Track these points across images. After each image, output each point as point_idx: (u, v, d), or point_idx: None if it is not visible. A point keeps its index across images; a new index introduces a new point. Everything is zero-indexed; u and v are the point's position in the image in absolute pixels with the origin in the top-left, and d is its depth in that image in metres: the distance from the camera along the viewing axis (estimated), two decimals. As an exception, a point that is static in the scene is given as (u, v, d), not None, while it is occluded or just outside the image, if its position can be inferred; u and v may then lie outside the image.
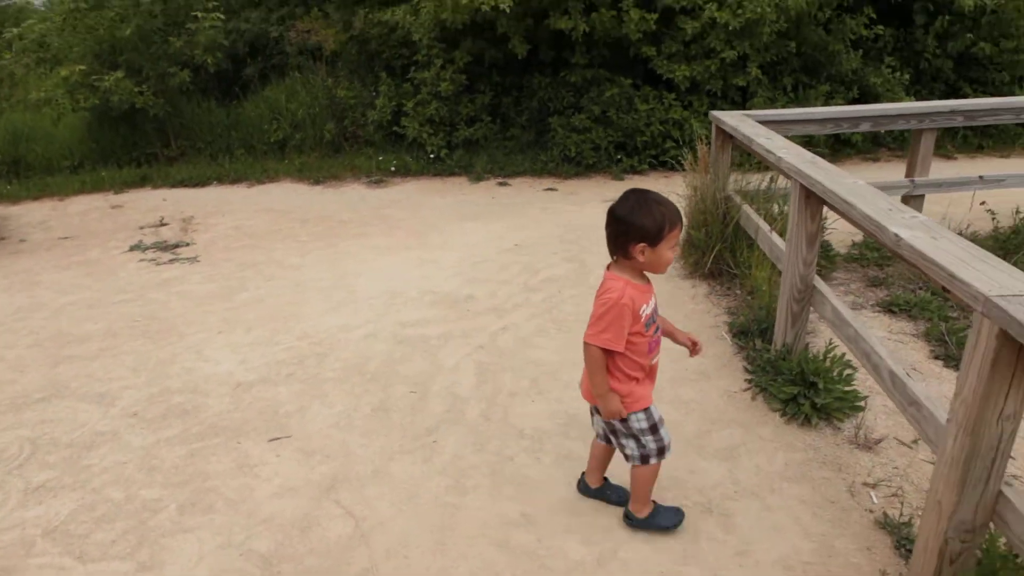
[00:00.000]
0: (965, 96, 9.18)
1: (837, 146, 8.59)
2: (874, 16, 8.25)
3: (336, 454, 3.13)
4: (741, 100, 7.91)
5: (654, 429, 2.50)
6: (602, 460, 2.80)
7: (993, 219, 5.35)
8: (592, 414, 2.66)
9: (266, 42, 10.13)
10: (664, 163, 7.56)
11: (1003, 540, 2.14)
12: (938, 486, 2.16)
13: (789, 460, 3.03)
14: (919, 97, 8.99)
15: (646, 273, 2.39)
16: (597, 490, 2.83)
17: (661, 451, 2.53)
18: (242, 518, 2.76)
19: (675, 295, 4.60)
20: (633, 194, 2.31)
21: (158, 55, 8.48)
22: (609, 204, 2.41)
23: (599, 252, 5.38)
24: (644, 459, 2.53)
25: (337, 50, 9.45)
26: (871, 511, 2.76)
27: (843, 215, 2.86)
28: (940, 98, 9.13)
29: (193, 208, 7.28)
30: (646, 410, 2.47)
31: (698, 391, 3.54)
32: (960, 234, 5.28)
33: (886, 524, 2.67)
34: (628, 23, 7.42)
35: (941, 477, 2.14)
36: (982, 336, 1.92)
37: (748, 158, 5.42)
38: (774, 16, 7.21)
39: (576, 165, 7.75)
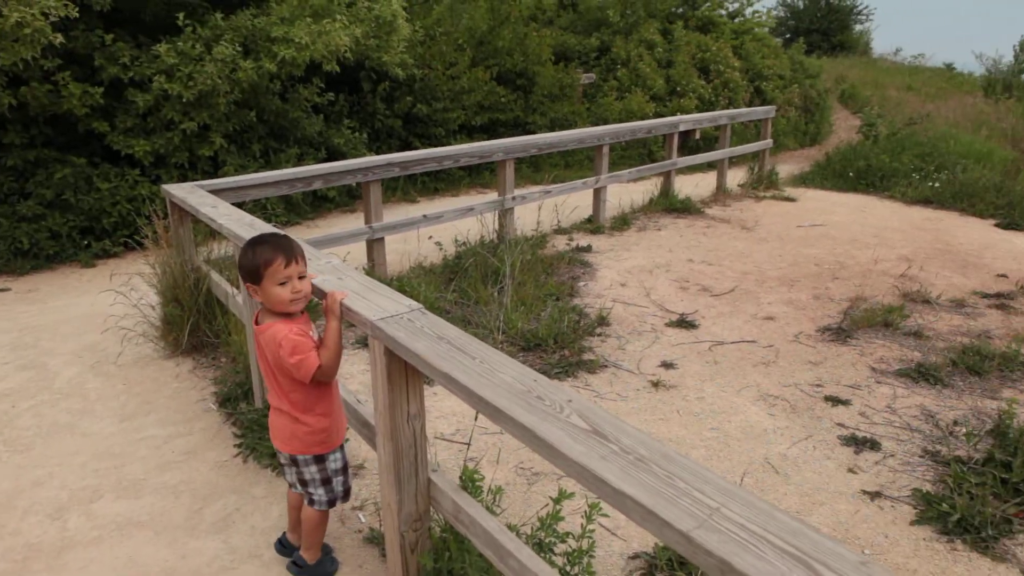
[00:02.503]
0: (415, 148, 10.68)
1: (317, 203, 9.18)
2: (323, 85, 9.05)
3: None
4: (213, 170, 7.91)
5: (344, 470, 2.55)
6: (300, 511, 2.71)
7: (440, 249, 6.31)
8: (282, 464, 2.59)
9: None
10: (140, 243, 7.14)
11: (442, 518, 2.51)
12: (384, 490, 2.44)
13: (282, 510, 3.11)
14: (379, 152, 10.16)
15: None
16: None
17: (347, 492, 2.59)
18: None
19: (158, 378, 4.36)
20: (250, 239, 2.37)
21: None
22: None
23: (65, 352, 4.82)
24: (332, 503, 2.55)
25: None
26: (360, 531, 2.99)
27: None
28: (397, 151, 10.46)
29: None
30: (341, 448, 2.52)
31: (187, 471, 3.40)
32: (419, 264, 6.15)
33: (372, 538, 2.92)
34: (69, 98, 6.83)
35: (384, 482, 2.43)
36: (376, 355, 2.24)
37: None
38: (227, 87, 7.39)
39: (34, 258, 6.80)
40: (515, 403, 1.69)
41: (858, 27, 31.54)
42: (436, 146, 10.91)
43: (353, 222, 8.24)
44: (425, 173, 10.48)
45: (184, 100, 7.20)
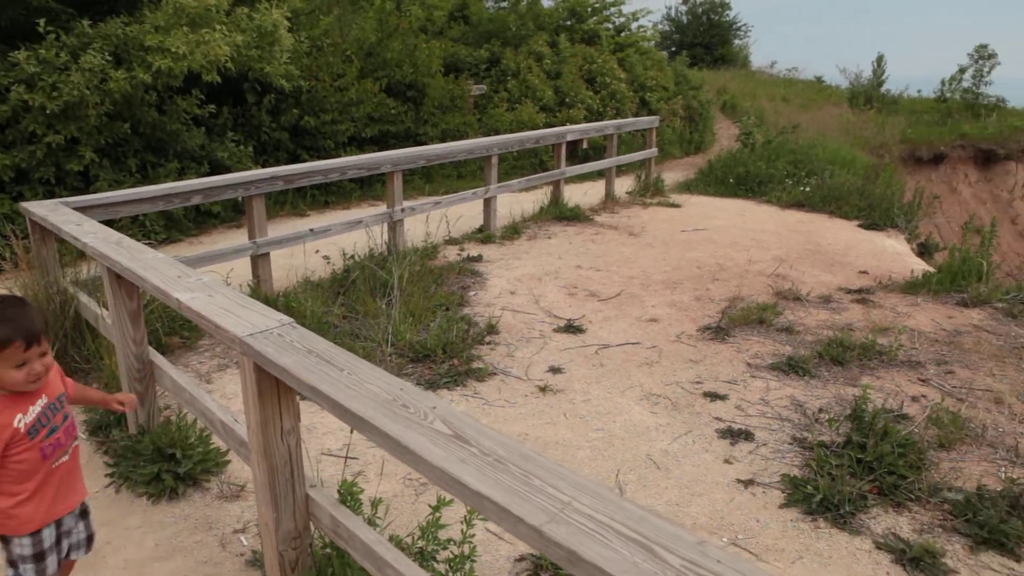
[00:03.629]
0: (304, 161, 10.46)
1: (201, 218, 8.84)
2: (204, 97, 8.74)
3: None
4: (84, 186, 7.49)
5: (39, 558, 2.20)
6: None
7: (328, 263, 6.21)
8: None
9: None
10: None
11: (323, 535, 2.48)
12: (261, 508, 2.39)
13: (160, 539, 2.99)
14: (266, 166, 9.88)
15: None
16: None
17: None
18: None
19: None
20: None
21: None
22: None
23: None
24: None
25: None
26: (243, 554, 2.91)
27: (145, 290, 2.96)
28: (285, 164, 10.21)
29: None
30: (33, 535, 2.16)
31: (52, 505, 3.21)
32: (307, 279, 6.04)
33: (255, 561, 2.85)
34: (-87, 112, 6.34)
35: (260, 500, 2.38)
36: (246, 371, 2.19)
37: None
38: (97, 98, 7.03)
39: None
40: (380, 412, 1.70)
41: (737, 42, 33.25)
42: (326, 158, 10.70)
43: (239, 238, 7.98)
44: (315, 186, 10.27)
45: (48, 111, 6.80)
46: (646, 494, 3.38)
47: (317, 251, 6.37)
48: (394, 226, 6.77)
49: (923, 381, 4.63)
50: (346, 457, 3.40)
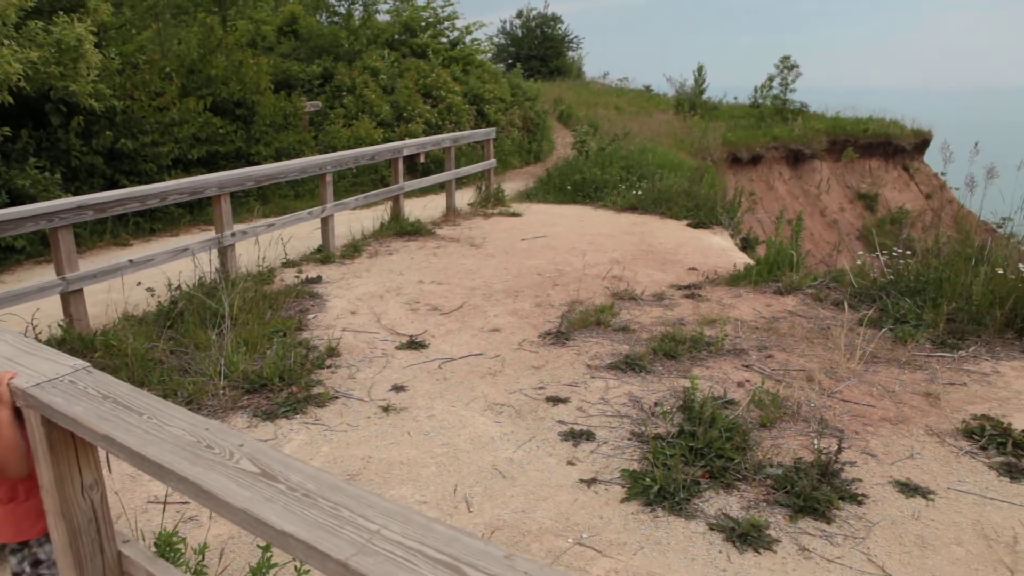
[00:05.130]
0: (123, 187, 9.73)
1: (4, 254, 8.01)
2: (-4, 119, 7.94)
3: None
4: None
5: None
6: None
7: (153, 295, 5.80)
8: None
9: None
10: None
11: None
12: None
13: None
14: (79, 193, 9.10)
15: None
16: None
17: None
18: None
19: None
20: None
21: None
22: None
23: None
24: None
25: None
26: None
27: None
28: (102, 191, 9.44)
29: None
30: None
31: None
32: (128, 315, 5.61)
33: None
34: None
35: (62, 566, 2.16)
36: (33, 426, 1.98)
37: None
38: None
39: None
40: (180, 456, 1.58)
41: (571, 54, 34.51)
42: (148, 183, 10.01)
43: (50, 274, 7.31)
44: (138, 213, 9.59)
45: None
46: (492, 504, 3.39)
47: (139, 283, 5.92)
48: (224, 252, 6.44)
49: (746, 367, 4.97)
50: (165, 503, 3.17)
